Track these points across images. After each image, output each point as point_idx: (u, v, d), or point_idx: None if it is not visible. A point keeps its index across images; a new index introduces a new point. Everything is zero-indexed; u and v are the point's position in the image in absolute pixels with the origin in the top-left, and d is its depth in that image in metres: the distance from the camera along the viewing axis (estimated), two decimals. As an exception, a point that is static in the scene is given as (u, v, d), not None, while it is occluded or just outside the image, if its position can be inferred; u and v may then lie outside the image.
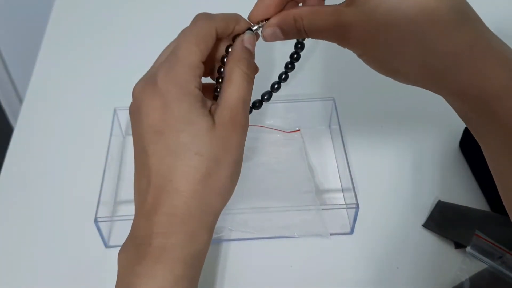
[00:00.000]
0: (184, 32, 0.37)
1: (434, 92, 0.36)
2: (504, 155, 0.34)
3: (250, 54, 0.38)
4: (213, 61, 0.40)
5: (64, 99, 0.68)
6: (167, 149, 0.34)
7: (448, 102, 0.37)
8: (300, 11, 0.37)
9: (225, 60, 0.38)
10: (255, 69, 0.38)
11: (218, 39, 0.38)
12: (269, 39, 0.39)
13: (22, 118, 0.66)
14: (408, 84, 0.37)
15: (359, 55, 0.36)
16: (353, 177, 0.53)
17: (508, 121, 0.33)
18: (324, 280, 0.50)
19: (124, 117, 0.62)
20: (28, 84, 0.70)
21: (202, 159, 0.34)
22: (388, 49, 0.34)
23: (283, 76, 0.41)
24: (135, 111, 0.36)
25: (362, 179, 0.56)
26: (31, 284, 0.51)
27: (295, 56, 0.41)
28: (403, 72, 0.36)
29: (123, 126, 0.62)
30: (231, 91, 0.36)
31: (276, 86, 0.41)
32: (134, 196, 0.37)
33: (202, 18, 0.37)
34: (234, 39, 0.39)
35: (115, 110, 0.60)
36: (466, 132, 0.58)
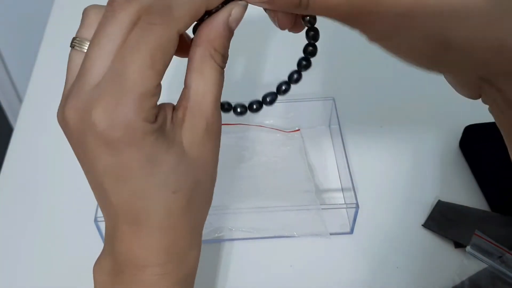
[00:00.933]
0: (131, 45, 0.26)
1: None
2: None
3: (231, 37, 0.29)
4: None
5: (64, 99, 0.68)
6: (136, 194, 0.28)
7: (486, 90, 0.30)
8: None
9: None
10: (227, 57, 0.29)
11: None
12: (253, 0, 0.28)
13: (21, 118, 0.66)
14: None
15: (372, 41, 0.29)
16: (353, 177, 0.53)
17: None
18: (324, 279, 0.50)
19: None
20: (28, 84, 0.70)
21: (181, 193, 0.28)
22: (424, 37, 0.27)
23: (295, 76, 0.32)
24: (76, 144, 0.29)
25: (362, 179, 0.56)
26: (30, 284, 0.51)
27: (310, 48, 0.32)
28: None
29: (123, 126, 0.62)
30: (204, 92, 0.28)
31: (284, 88, 0.33)
32: (103, 213, 0.32)
33: (157, 18, 0.26)
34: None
35: (115, 110, 0.60)
36: (466, 132, 0.58)
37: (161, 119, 0.28)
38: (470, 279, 0.48)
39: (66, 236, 0.54)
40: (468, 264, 0.49)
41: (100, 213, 0.50)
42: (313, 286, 0.50)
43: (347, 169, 0.53)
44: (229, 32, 0.29)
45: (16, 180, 0.59)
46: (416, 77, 0.67)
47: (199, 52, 0.28)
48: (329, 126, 0.62)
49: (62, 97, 0.29)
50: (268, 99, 0.32)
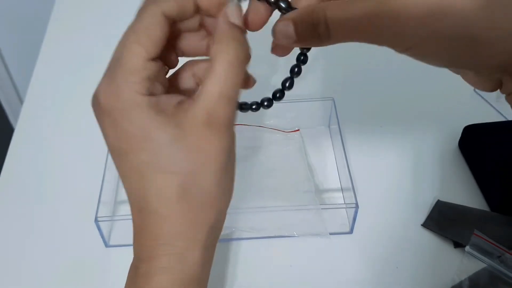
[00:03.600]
0: (126, 30, 0.31)
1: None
2: None
3: (240, 32, 0.31)
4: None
5: (65, 99, 0.68)
6: (133, 170, 0.30)
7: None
8: (326, 3, 0.29)
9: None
10: (246, 53, 0.30)
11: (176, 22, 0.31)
12: (279, 37, 0.30)
13: (22, 118, 0.66)
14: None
15: (405, 50, 0.28)
16: (352, 177, 0.53)
17: None
18: (323, 279, 0.50)
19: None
20: (29, 84, 0.70)
21: (172, 177, 0.29)
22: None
23: (287, 83, 0.35)
24: (99, 124, 0.32)
25: (361, 179, 0.56)
26: (31, 284, 0.51)
27: (296, 69, 0.34)
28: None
29: (123, 126, 0.62)
30: (212, 85, 0.29)
31: (278, 95, 0.35)
32: None
33: (145, 5, 0.30)
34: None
35: (115, 110, 0.60)
36: (466, 131, 0.58)
37: (160, 98, 0.30)
38: (470, 279, 0.48)
39: (66, 236, 0.54)
40: (468, 263, 0.49)
41: (100, 213, 0.50)
42: (312, 286, 0.50)
43: (347, 169, 0.53)
44: (235, 28, 0.30)
45: (17, 180, 0.59)
46: (415, 77, 0.67)
47: (213, 50, 0.30)
48: (329, 126, 0.62)
49: None
50: (277, 95, 0.35)
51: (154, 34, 0.29)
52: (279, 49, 0.33)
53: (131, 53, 0.29)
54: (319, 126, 0.62)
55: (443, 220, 0.53)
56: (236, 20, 0.30)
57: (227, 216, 0.52)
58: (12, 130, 0.65)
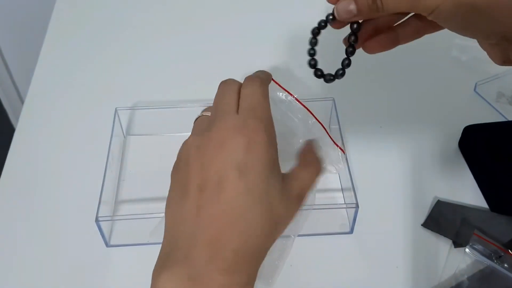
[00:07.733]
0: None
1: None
2: None
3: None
4: None
5: (65, 99, 0.68)
6: (247, 190, 0.33)
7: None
8: None
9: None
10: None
11: None
12: (342, 14, 0.39)
13: (23, 118, 0.66)
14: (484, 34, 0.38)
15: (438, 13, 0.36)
16: (352, 177, 0.53)
17: None
18: (323, 279, 0.50)
19: (125, 117, 0.62)
20: (29, 84, 0.70)
21: (272, 208, 0.34)
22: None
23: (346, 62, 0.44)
24: (216, 146, 0.35)
25: (361, 179, 0.56)
26: (32, 283, 0.51)
27: (346, 62, 0.44)
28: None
29: (124, 126, 0.62)
30: (307, 178, 0.40)
31: (341, 72, 0.45)
32: (176, 220, 0.35)
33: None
34: None
35: (116, 110, 0.60)
36: (465, 132, 0.58)
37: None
38: (469, 279, 0.48)
39: (67, 236, 0.54)
40: (467, 264, 0.49)
41: (101, 213, 0.50)
42: (313, 285, 0.50)
43: (347, 169, 0.53)
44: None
45: (17, 180, 0.60)
46: (416, 78, 0.67)
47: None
48: (329, 126, 0.62)
49: None
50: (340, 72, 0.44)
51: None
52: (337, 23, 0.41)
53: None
54: (320, 126, 0.62)
55: (443, 220, 0.53)
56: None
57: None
58: (13, 130, 0.65)
